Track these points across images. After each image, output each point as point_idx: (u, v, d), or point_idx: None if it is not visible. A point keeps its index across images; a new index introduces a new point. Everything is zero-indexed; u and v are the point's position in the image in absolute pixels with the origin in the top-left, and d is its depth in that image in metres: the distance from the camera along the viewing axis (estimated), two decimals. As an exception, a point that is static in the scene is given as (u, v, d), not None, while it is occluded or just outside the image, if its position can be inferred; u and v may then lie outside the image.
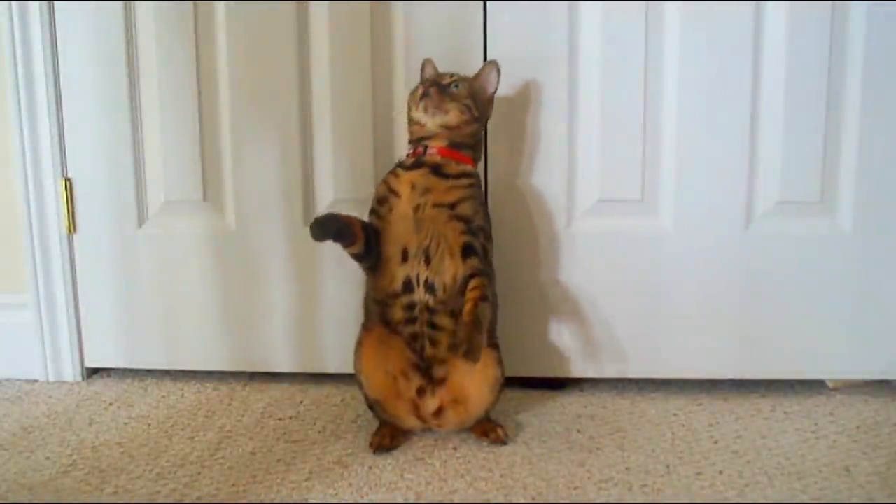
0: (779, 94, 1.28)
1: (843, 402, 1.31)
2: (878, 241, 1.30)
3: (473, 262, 1.13)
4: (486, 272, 1.14)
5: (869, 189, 1.29)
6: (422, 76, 1.24)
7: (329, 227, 1.12)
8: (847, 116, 1.28)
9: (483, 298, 1.10)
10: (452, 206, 1.14)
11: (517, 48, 1.29)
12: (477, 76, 1.21)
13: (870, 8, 1.24)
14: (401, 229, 1.14)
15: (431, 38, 1.31)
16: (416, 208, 1.13)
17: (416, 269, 1.14)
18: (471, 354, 1.05)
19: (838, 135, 1.28)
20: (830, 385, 1.36)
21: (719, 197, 1.31)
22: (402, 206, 1.14)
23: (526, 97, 1.31)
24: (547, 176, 1.33)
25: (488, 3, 1.30)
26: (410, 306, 1.15)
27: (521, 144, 1.33)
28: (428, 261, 1.13)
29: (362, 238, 1.14)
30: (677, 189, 1.31)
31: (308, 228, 1.11)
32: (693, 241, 1.32)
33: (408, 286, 1.14)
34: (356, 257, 1.16)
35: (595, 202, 1.33)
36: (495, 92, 1.22)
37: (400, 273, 1.14)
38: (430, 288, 1.13)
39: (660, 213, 1.33)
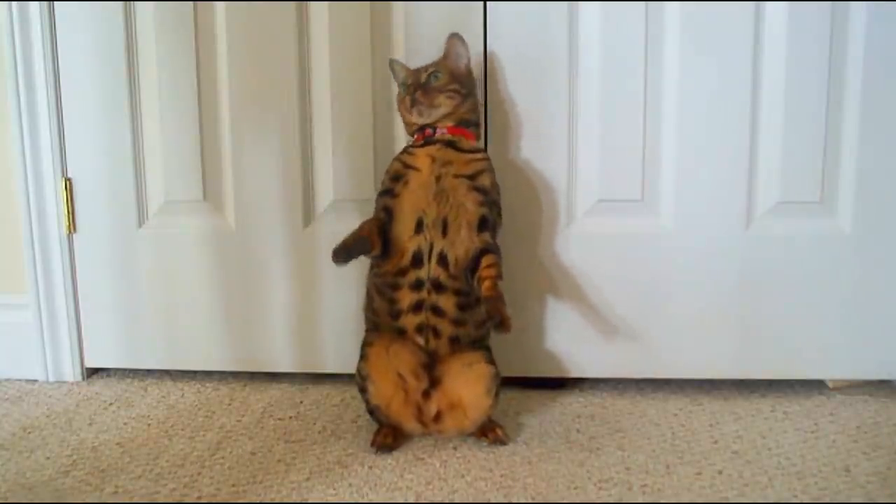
0: (779, 94, 1.28)
1: (843, 402, 1.31)
2: (878, 241, 1.30)
3: (486, 237, 1.15)
4: (496, 248, 1.16)
5: (869, 189, 1.29)
6: (394, 77, 1.26)
7: (349, 254, 1.12)
8: (847, 116, 1.28)
9: (499, 276, 1.12)
10: (472, 177, 1.16)
11: (517, 49, 1.29)
12: (446, 55, 1.22)
13: (870, 8, 1.24)
14: (417, 199, 1.15)
15: (431, 38, 1.31)
16: (438, 178, 1.15)
17: (430, 240, 1.14)
18: (503, 327, 1.06)
19: (838, 135, 1.28)
20: (830, 385, 1.36)
21: (719, 197, 1.31)
22: (422, 177, 1.15)
23: (525, 97, 1.31)
24: (547, 176, 1.33)
25: (488, 3, 1.30)
26: (418, 285, 1.15)
27: (521, 145, 1.32)
28: (445, 231, 1.14)
29: (379, 241, 1.15)
30: (677, 189, 1.31)
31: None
32: (693, 241, 1.32)
33: (417, 260, 1.14)
34: (374, 258, 1.18)
35: (595, 202, 1.34)
36: (469, 62, 1.23)
37: (410, 245, 1.15)
38: (442, 260, 1.14)
39: (660, 212, 1.33)
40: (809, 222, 1.31)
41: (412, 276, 1.15)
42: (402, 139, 1.35)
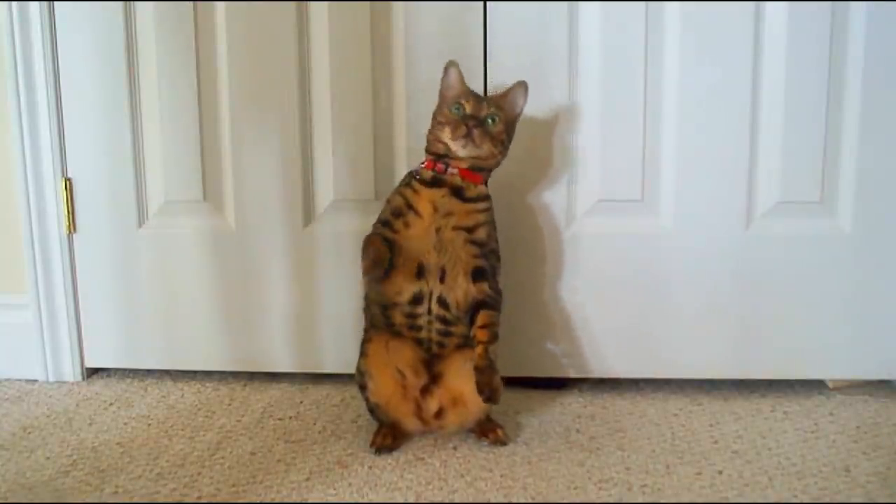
0: (779, 94, 1.28)
1: (843, 402, 1.31)
2: (878, 241, 1.30)
3: (482, 287, 1.15)
4: (494, 298, 1.15)
5: (869, 189, 1.29)
6: (445, 81, 1.18)
7: (382, 263, 1.11)
8: (847, 116, 1.28)
9: (493, 338, 1.12)
10: (470, 230, 1.14)
11: (517, 48, 1.29)
12: (505, 96, 1.18)
13: (870, 8, 1.24)
14: (418, 246, 1.14)
15: (431, 38, 1.31)
16: (438, 230, 1.13)
17: (430, 286, 1.14)
18: (492, 400, 1.09)
19: (838, 135, 1.28)
20: (830, 385, 1.36)
21: (719, 197, 1.31)
22: (424, 225, 1.14)
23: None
24: (547, 176, 1.33)
25: (488, 3, 1.30)
26: (413, 315, 1.15)
27: (521, 145, 1.32)
28: (443, 278, 1.14)
29: (388, 255, 1.13)
30: (677, 189, 1.31)
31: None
32: (693, 241, 1.32)
33: (417, 299, 1.14)
34: (375, 278, 1.15)
35: (595, 202, 1.33)
36: (521, 113, 1.19)
37: (410, 287, 1.14)
38: (443, 303, 1.14)
39: (660, 213, 1.33)
40: (809, 222, 1.31)
41: (407, 308, 1.15)
42: (401, 139, 1.35)
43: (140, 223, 1.41)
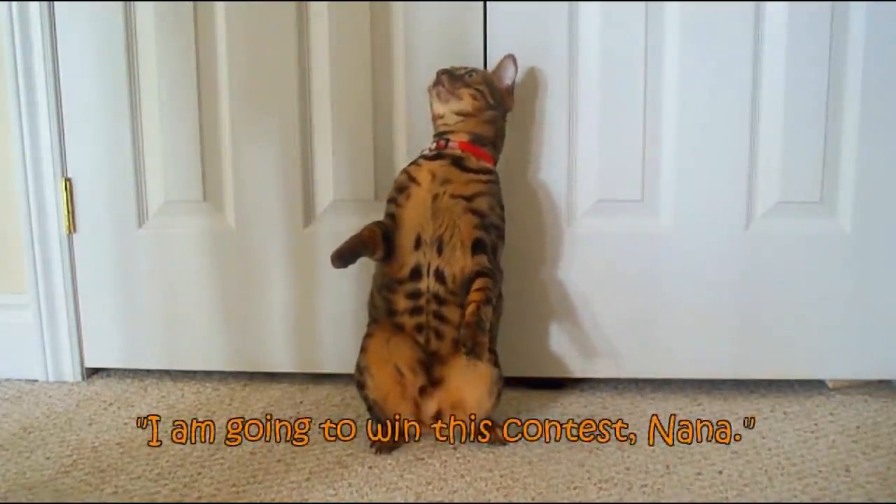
0: (779, 94, 1.28)
1: (843, 402, 1.31)
2: (878, 241, 1.30)
3: (481, 260, 1.14)
4: (492, 272, 1.15)
5: (869, 189, 1.29)
6: None
7: (346, 259, 1.13)
8: (847, 116, 1.28)
9: (486, 301, 1.11)
10: (469, 198, 1.15)
11: (517, 49, 1.29)
12: (495, 68, 1.25)
13: (870, 8, 1.24)
14: (416, 216, 1.15)
15: (431, 38, 1.31)
16: (435, 197, 1.14)
17: (427, 258, 1.14)
18: (474, 353, 1.07)
19: (838, 135, 1.28)
20: (830, 385, 1.36)
21: (719, 197, 1.31)
22: (421, 194, 1.15)
23: (526, 98, 1.31)
24: (547, 176, 1.33)
25: (488, 3, 1.30)
26: (415, 295, 1.15)
27: (521, 145, 1.32)
28: (440, 250, 1.14)
29: (382, 245, 1.15)
30: (677, 189, 1.31)
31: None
32: (693, 241, 1.32)
33: (416, 274, 1.15)
34: (377, 260, 1.18)
35: (595, 202, 1.34)
36: (513, 84, 1.23)
37: (410, 260, 1.15)
38: (440, 277, 1.14)
39: (660, 213, 1.33)
40: (809, 222, 1.31)
41: (409, 286, 1.15)
42: (401, 140, 1.35)
43: (140, 223, 1.41)
